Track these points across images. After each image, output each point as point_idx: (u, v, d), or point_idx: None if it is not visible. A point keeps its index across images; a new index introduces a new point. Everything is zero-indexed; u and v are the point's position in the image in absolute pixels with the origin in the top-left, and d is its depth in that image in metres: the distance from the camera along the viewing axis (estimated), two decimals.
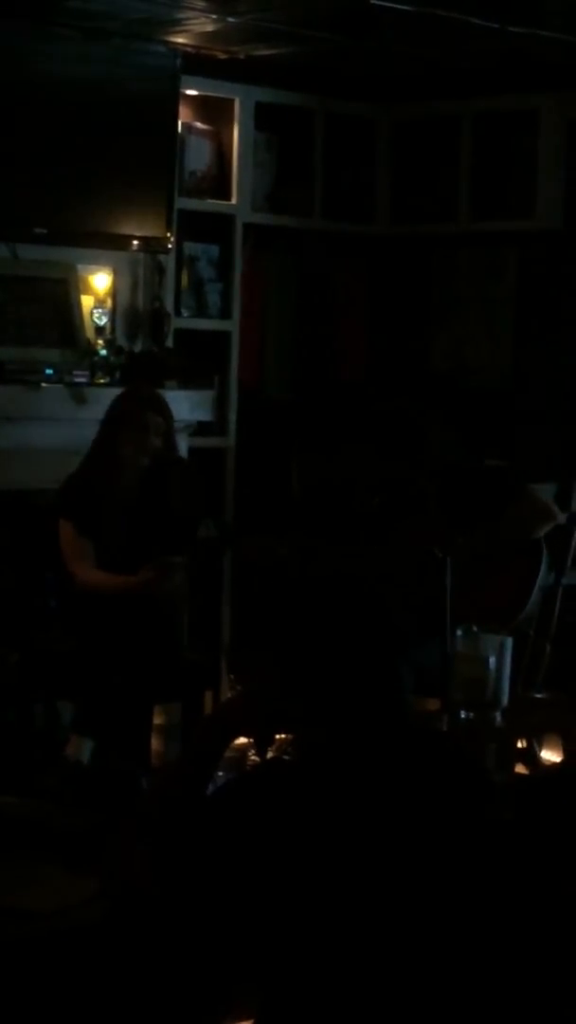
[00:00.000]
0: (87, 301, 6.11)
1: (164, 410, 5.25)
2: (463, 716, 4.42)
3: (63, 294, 6.04)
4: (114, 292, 6.26)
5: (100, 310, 6.09)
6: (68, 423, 5.50)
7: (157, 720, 5.61)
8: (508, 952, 2.26)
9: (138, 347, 6.34)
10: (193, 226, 6.54)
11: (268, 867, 2.21)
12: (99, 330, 6.07)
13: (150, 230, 6.20)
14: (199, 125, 6.61)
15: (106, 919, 2.67)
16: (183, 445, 6.21)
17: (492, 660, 4.40)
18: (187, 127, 6.51)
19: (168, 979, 2.26)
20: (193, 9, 5.51)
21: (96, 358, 5.99)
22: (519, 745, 5.23)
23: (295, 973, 2.21)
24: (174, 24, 5.77)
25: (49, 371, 5.81)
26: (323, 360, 7.17)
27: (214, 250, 6.70)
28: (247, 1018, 2.30)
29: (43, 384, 5.79)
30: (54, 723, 5.43)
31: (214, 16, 5.59)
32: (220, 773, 2.51)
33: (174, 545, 5.18)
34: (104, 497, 5.16)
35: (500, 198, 6.88)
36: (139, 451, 5.17)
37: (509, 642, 4.48)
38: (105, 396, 5.47)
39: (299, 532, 6.02)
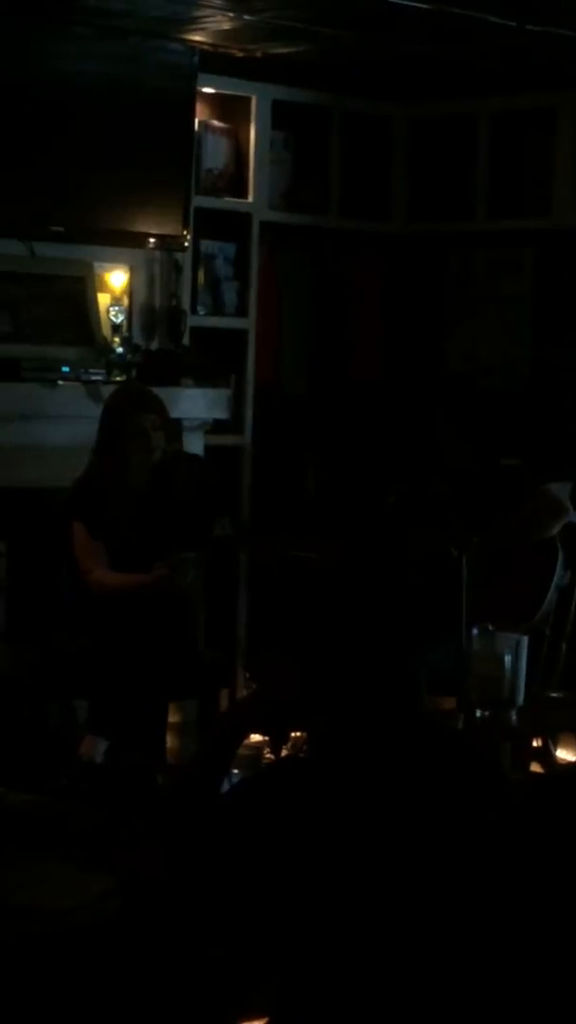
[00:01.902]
0: (104, 299, 6.11)
1: (154, 404, 5.21)
2: (479, 715, 4.43)
3: (80, 292, 6.05)
4: (131, 290, 6.26)
5: (117, 308, 6.10)
6: (84, 421, 5.49)
7: (172, 718, 5.61)
8: (521, 951, 2.25)
9: (154, 345, 6.34)
10: (210, 224, 6.54)
11: (282, 865, 2.21)
12: (115, 328, 6.08)
13: (167, 228, 6.20)
14: (216, 123, 6.61)
15: (120, 917, 2.67)
16: (199, 443, 6.21)
17: (508, 659, 4.40)
18: (204, 125, 6.51)
19: (182, 977, 2.26)
20: (210, 7, 5.51)
21: (112, 356, 5.99)
22: (535, 744, 5.23)
23: (310, 971, 2.21)
24: (191, 22, 5.77)
25: (65, 369, 5.82)
26: (339, 358, 7.16)
27: (231, 248, 6.71)
28: (262, 1016, 2.30)
29: (59, 382, 5.80)
30: (69, 721, 5.43)
31: (231, 14, 5.59)
32: (235, 771, 2.51)
33: (187, 541, 5.18)
34: (114, 498, 5.16)
35: (517, 196, 6.87)
36: (145, 452, 5.16)
37: (525, 641, 4.48)
38: None
39: (314, 531, 6.02)
